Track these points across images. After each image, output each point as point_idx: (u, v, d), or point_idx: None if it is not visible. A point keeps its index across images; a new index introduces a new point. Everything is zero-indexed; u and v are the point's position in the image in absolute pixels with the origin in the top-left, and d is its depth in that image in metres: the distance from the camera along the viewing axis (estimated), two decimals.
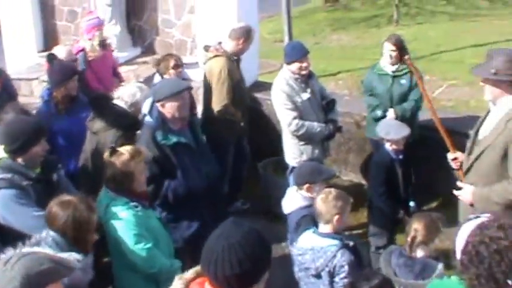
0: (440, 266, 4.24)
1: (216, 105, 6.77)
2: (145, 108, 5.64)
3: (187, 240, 5.22)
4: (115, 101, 5.71)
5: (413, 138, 6.71)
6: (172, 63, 6.64)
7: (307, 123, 6.33)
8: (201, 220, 5.28)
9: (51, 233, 3.93)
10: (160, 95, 5.22)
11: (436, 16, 20.67)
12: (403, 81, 6.82)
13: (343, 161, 7.49)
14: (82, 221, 3.96)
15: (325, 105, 6.65)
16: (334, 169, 7.44)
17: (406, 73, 6.81)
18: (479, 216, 3.17)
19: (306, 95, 6.37)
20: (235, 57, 6.92)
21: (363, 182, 6.91)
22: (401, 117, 6.67)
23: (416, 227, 4.39)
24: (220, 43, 6.89)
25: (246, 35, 6.83)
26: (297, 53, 6.30)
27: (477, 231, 2.99)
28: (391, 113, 6.76)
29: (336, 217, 4.42)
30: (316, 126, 6.39)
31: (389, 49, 6.76)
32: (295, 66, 6.27)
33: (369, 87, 7.04)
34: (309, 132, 6.35)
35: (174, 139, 5.19)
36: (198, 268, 2.81)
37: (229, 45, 6.85)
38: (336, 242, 4.38)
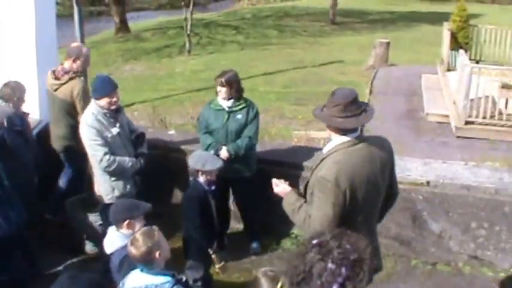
0: None
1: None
2: None
3: None
4: None
5: (252, 173, 6.88)
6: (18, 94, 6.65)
7: (118, 158, 6.23)
8: (12, 268, 5.05)
9: None
10: None
11: (227, 45, 21.37)
12: (239, 116, 6.75)
13: (155, 194, 7.44)
14: None
15: (135, 139, 6.61)
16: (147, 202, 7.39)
17: (242, 108, 6.79)
18: None
19: (115, 130, 6.26)
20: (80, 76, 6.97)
21: (176, 213, 6.87)
22: (235, 155, 6.69)
23: None
24: (63, 67, 6.92)
25: (77, 52, 6.95)
26: (106, 88, 6.18)
27: (315, 249, 3.08)
28: (223, 152, 6.67)
29: (157, 254, 4.36)
30: (128, 160, 6.33)
31: (219, 86, 6.72)
32: (104, 101, 6.14)
33: (205, 123, 6.90)
34: (120, 167, 6.25)
35: None
36: None
37: (68, 66, 6.88)
38: (169, 278, 4.31)
